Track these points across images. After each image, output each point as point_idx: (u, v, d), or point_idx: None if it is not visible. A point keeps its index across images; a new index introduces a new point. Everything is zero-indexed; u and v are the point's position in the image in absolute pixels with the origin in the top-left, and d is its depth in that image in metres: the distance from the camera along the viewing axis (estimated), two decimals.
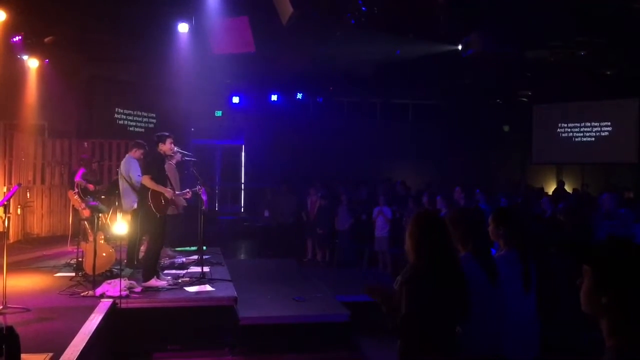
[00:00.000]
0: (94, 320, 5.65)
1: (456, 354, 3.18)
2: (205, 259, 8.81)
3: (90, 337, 5.15)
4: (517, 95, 17.22)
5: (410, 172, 16.55)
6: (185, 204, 9.00)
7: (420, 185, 14.59)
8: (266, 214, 13.58)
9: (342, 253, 11.77)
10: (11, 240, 11.10)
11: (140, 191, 7.28)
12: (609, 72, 14.26)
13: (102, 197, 9.33)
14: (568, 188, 15.25)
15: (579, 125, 16.24)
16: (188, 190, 8.01)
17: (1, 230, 6.44)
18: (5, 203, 6.26)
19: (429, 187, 13.06)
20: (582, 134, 16.20)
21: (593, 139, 15.98)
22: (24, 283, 7.47)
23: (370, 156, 16.28)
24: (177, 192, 7.73)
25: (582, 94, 15.49)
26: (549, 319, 3.91)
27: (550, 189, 15.53)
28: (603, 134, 15.77)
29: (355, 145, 16.25)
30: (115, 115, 14.12)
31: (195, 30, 11.20)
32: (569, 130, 16.44)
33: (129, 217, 8.31)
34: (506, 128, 17.90)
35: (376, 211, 11.00)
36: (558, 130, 16.58)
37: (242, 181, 17.37)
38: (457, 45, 11.39)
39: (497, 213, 3.91)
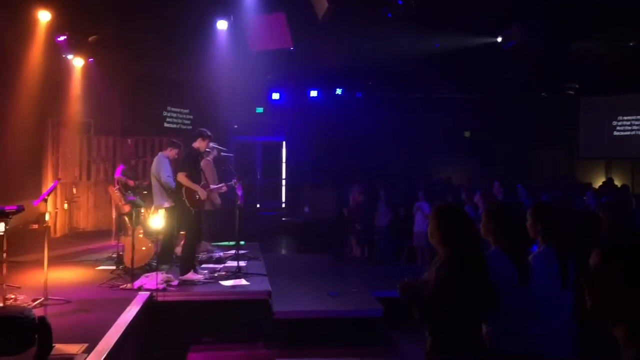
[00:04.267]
0: (131, 312, 5.77)
1: (484, 353, 3.11)
2: (243, 253, 8.88)
3: (126, 328, 5.26)
4: (564, 88, 16.72)
5: (452, 167, 16.32)
6: (220, 201, 9.08)
7: (462, 180, 14.37)
8: (306, 209, 13.60)
9: (381, 249, 11.70)
10: (58, 235, 11.51)
11: (175, 187, 7.37)
12: None
13: (144, 192, 9.47)
14: (617, 184, 14.74)
15: (628, 118, 15.66)
16: (223, 184, 8.09)
17: (46, 225, 6.62)
18: (47, 198, 6.43)
19: (470, 182, 12.86)
20: (632, 128, 15.62)
21: None
22: (67, 275, 7.71)
23: (411, 152, 16.12)
24: (212, 187, 7.83)
25: (632, 85, 14.94)
26: (586, 317, 3.77)
27: (599, 185, 15.04)
28: None
29: (395, 141, 16.12)
30: (158, 113, 14.38)
31: (233, 28, 11.28)
32: (618, 123, 15.86)
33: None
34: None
35: (415, 206, 10.91)
36: (606, 123, 16.01)
37: (283, 177, 17.45)
38: (497, 37, 11.12)
39: (535, 208, 3.82)
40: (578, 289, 3.63)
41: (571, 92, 16.75)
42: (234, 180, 8.06)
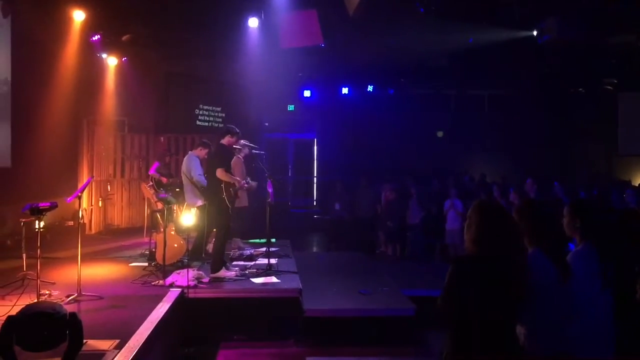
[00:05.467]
0: (162, 308, 5.80)
1: (516, 353, 3.01)
2: (274, 251, 8.89)
3: (157, 324, 5.29)
4: (602, 83, 16.26)
5: (487, 165, 16.07)
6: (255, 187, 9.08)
7: (496, 178, 14.14)
8: (337, 207, 13.54)
9: (413, 247, 11.58)
10: (93, 232, 11.69)
11: (213, 185, 7.29)
12: None
13: (177, 190, 9.54)
14: None
15: None
16: (244, 181, 8.04)
17: (80, 222, 6.72)
18: (81, 195, 6.51)
19: (504, 179, 12.64)
20: None
21: None
22: (101, 272, 7.81)
23: (443, 149, 15.91)
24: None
25: None
26: (625, 317, 3.64)
27: (639, 182, 14.64)
28: None
29: (428, 138, 15.92)
30: (191, 111, 14.50)
31: (265, 25, 11.28)
32: None
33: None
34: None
35: (447, 204, 10.76)
36: None
37: (315, 174, 17.42)
38: (533, 31, 10.84)
39: (573, 205, 3.69)
40: (618, 287, 3.52)
41: (609, 87, 16.27)
42: (248, 179, 8.08)
